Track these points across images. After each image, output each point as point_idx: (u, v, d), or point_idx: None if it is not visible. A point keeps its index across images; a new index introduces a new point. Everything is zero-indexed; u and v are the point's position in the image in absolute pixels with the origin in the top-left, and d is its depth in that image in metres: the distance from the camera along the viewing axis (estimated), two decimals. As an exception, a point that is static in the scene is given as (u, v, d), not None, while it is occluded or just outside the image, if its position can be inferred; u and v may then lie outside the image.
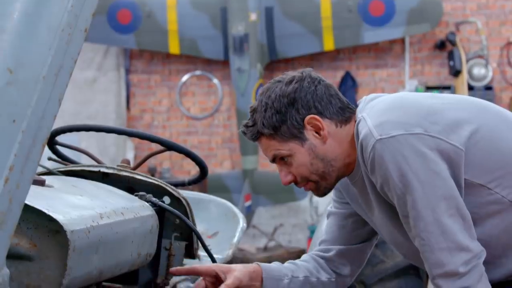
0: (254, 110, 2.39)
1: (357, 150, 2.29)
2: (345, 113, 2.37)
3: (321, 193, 2.44)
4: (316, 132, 2.34)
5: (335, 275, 2.66)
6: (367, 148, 2.20)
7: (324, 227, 2.74)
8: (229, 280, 2.43)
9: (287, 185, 2.41)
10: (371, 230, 2.61)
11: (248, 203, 9.71)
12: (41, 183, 2.26)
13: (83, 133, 2.98)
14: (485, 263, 2.20)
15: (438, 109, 2.24)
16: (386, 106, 2.28)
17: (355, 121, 2.34)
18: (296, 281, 2.61)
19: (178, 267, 2.60)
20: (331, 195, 2.69)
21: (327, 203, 3.75)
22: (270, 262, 4.08)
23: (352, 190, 2.51)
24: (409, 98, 2.33)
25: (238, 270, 2.48)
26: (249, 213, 9.59)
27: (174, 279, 3.30)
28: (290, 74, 2.39)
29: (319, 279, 2.64)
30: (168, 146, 2.96)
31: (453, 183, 2.17)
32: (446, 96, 2.39)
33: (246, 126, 2.40)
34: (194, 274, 2.59)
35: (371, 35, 10.27)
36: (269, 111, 2.33)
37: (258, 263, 2.59)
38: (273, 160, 2.39)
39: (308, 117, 2.33)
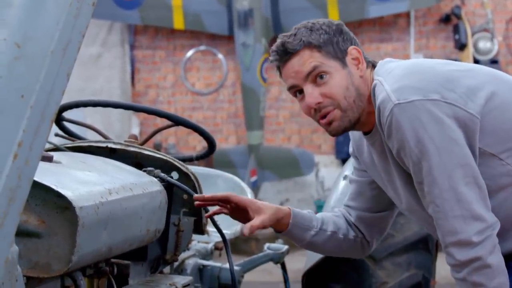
0: (291, 35, 2.35)
1: (375, 113, 2.27)
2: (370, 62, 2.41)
3: (337, 129, 2.36)
4: (355, 65, 2.36)
5: (361, 235, 2.66)
6: (385, 112, 2.19)
7: (349, 191, 2.73)
8: (256, 221, 2.42)
9: (308, 110, 2.34)
10: (390, 200, 2.59)
11: (253, 178, 9.70)
12: (49, 159, 2.24)
13: (88, 109, 2.96)
14: None
15: (454, 76, 2.21)
16: (403, 72, 2.25)
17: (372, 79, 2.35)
18: (322, 234, 2.60)
19: (212, 194, 2.49)
20: (351, 162, 2.68)
21: (333, 178, 3.74)
22: (276, 238, 4.10)
23: (367, 153, 2.49)
24: (425, 64, 2.31)
25: (268, 214, 2.46)
26: (254, 188, 9.58)
27: (183, 255, 3.29)
28: None
29: (346, 237, 2.64)
30: (176, 121, 2.93)
31: (469, 152, 2.15)
32: (460, 63, 2.36)
33: (289, 36, 2.36)
34: (226, 202, 2.48)
35: (376, 9, 10.22)
36: (317, 31, 2.34)
37: (291, 208, 2.57)
38: (308, 75, 2.32)
39: (351, 46, 2.36)
